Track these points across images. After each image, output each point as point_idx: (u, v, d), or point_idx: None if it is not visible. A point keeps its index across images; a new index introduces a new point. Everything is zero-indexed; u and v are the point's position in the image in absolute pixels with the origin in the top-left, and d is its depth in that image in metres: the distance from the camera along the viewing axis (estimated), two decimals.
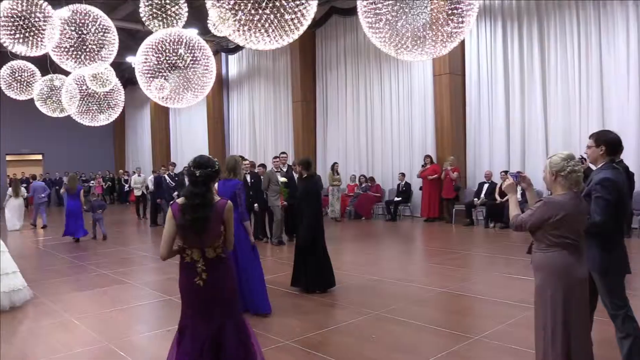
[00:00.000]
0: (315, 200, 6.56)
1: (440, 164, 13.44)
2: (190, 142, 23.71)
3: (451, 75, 13.37)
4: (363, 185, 15.05)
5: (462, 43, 13.37)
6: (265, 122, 19.66)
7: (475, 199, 12.51)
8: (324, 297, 6.24)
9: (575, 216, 3.20)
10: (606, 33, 11.14)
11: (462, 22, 5.55)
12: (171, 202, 3.32)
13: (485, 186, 12.54)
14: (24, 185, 17.94)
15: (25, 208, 15.93)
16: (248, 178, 10.44)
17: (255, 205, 10.35)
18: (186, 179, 3.54)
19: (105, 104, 11.33)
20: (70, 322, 5.61)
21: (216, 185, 5.87)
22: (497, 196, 12.18)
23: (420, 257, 9.11)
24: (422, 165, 13.66)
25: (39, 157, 27.68)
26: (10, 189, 15.07)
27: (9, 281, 6.19)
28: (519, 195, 4.34)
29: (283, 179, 8.67)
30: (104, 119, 11.52)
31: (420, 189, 13.83)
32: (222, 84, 21.67)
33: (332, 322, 5.28)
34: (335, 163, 14.69)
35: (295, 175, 10.76)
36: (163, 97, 9.33)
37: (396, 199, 14.26)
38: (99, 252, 10.24)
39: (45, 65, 11.04)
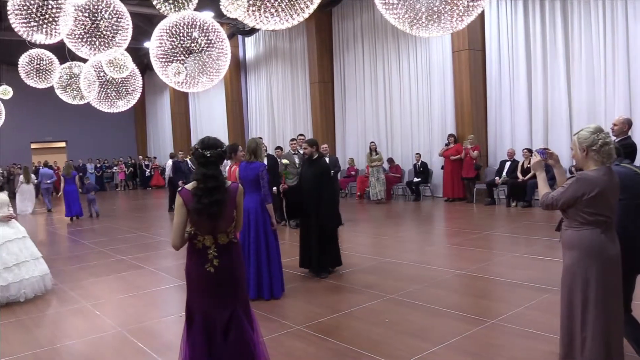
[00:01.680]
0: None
1: (460, 142, 13.20)
2: (210, 126, 23.75)
3: (470, 51, 13.04)
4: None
5: (482, 17, 13.02)
6: (283, 104, 19.56)
7: (497, 178, 12.26)
8: (337, 281, 6.18)
9: (609, 192, 3.04)
10: (633, 2, 10.68)
11: None
12: (179, 189, 3.24)
13: (507, 164, 12.28)
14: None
15: (39, 195, 16.85)
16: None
17: (274, 188, 10.30)
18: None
19: (123, 90, 11.36)
20: (85, 309, 5.65)
21: (237, 167, 5.85)
22: (519, 174, 11.91)
23: (439, 238, 8.99)
24: (446, 144, 13.45)
25: (63, 144, 28.09)
26: (21, 175, 16.01)
27: (41, 265, 6.31)
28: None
29: (285, 161, 8.55)
30: (122, 105, 11.53)
31: (442, 168, 13.65)
32: (239, 67, 21.59)
33: (345, 306, 5.21)
34: (372, 142, 14.36)
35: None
36: (179, 82, 9.28)
37: (415, 179, 14.08)
38: (119, 238, 10.34)
39: (63, 52, 11.07)
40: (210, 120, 23.85)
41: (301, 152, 10.58)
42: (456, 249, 7.72)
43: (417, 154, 14.31)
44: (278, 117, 19.92)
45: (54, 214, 15.53)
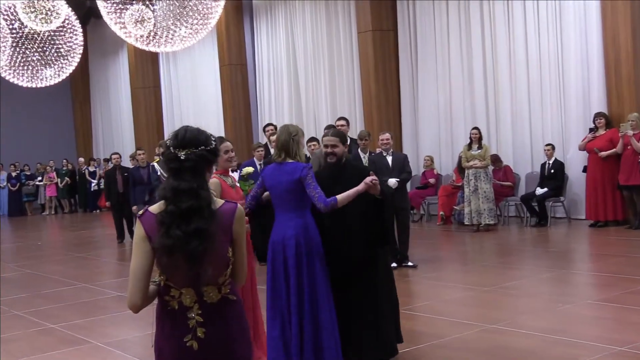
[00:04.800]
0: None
1: (616, 127, 12.97)
2: (195, 107, 24.09)
3: None
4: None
5: None
6: (314, 69, 19.63)
7: None
8: None
9: None
10: None
11: None
12: (139, 213, 3.26)
13: None
14: None
15: None
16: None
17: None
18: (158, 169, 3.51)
19: (53, 52, 11.57)
20: None
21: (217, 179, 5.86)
22: None
23: (581, 290, 8.83)
24: (590, 130, 13.34)
25: None
26: None
27: None
28: None
29: (248, 169, 8.25)
30: (52, 76, 11.76)
31: (584, 170, 13.52)
32: (241, 10, 21.80)
33: None
34: (476, 129, 14.04)
35: (363, 156, 10.64)
36: (143, 37, 9.41)
37: (539, 190, 13.85)
38: (46, 294, 10.47)
39: None
40: (195, 99, 24.13)
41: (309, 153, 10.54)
42: (612, 308, 7.57)
43: (548, 146, 14.01)
44: (307, 90, 20.00)
45: None
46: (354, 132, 12.97)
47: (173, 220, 3.12)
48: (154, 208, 3.22)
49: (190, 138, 3.22)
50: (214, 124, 21.86)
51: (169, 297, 3.22)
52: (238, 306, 3.32)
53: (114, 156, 16.34)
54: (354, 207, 5.78)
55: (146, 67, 25.82)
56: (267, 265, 5.72)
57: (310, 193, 5.50)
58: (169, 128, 25.09)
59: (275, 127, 11.81)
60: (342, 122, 10.98)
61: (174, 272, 3.19)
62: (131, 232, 15.27)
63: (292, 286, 5.59)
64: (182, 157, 3.18)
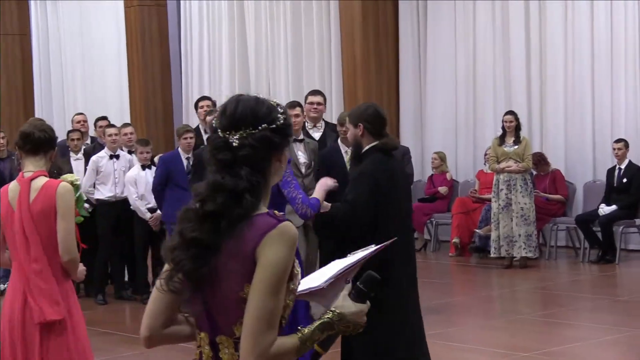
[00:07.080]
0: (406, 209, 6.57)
1: None
2: (84, 67, 24.04)
3: None
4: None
5: None
6: (270, 16, 19.71)
7: None
8: None
9: None
10: None
11: None
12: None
13: None
14: None
15: None
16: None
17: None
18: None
19: None
20: None
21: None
22: None
23: None
24: None
25: None
26: None
27: None
28: None
29: (71, 176, 8.04)
30: None
31: None
32: None
33: None
34: (511, 114, 13.84)
35: (345, 150, 10.75)
36: None
37: (604, 208, 13.97)
38: None
39: None
40: (85, 55, 24.05)
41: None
42: None
43: (619, 143, 14.06)
44: (257, 48, 20.09)
45: None
46: (330, 114, 13.09)
47: (182, 221, 3.07)
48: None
49: (245, 113, 3.10)
50: (113, 95, 21.83)
51: (197, 342, 3.21)
52: None
53: None
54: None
55: (8, 5, 25.52)
56: None
57: (291, 195, 5.72)
58: (43, 97, 24.91)
59: (214, 103, 11.85)
60: (317, 97, 10.83)
61: (186, 302, 3.15)
62: None
63: None
64: (234, 144, 3.08)
